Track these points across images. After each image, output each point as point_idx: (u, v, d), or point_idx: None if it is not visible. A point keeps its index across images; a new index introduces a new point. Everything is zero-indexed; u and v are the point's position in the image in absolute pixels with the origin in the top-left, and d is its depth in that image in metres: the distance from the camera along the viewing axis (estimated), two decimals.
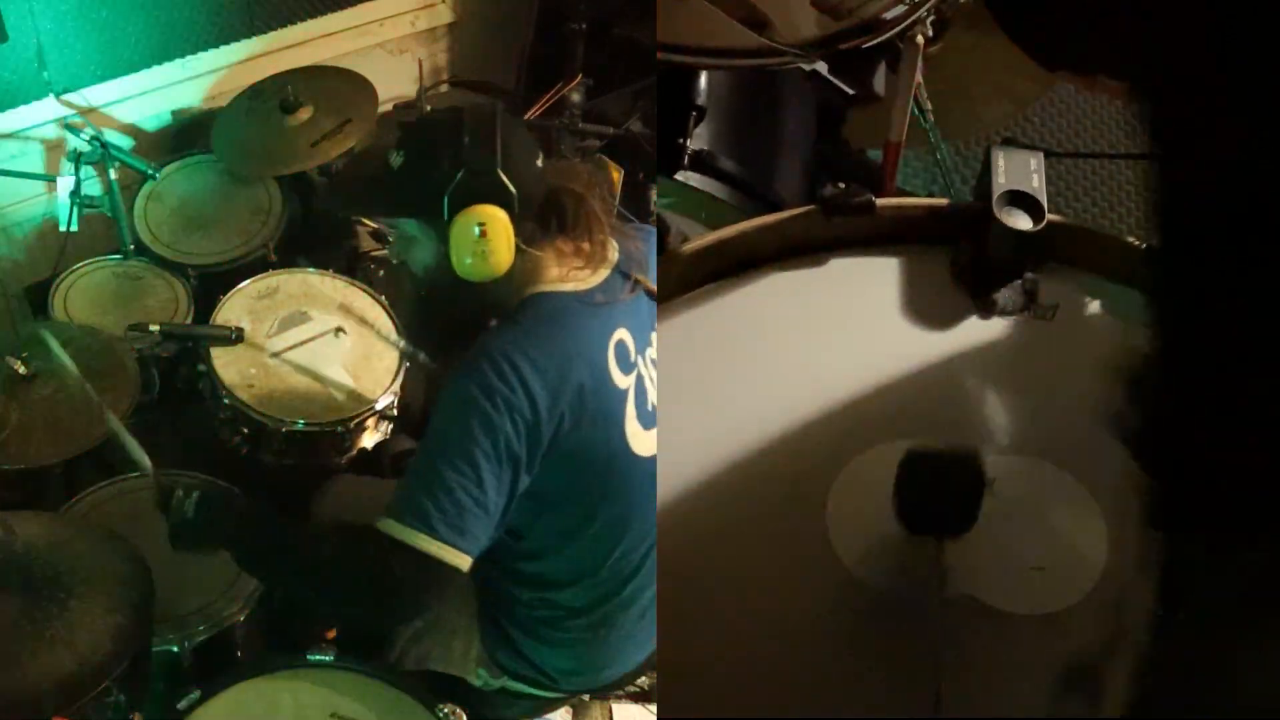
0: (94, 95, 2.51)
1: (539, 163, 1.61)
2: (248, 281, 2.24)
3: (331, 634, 1.91)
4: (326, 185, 2.48)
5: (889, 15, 1.77)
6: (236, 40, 2.68)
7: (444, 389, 1.52)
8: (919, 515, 1.21)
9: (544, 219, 1.59)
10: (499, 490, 1.50)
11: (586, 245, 1.61)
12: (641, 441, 1.60)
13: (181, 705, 1.58)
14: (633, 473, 1.58)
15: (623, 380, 1.60)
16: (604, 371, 1.57)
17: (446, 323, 1.67)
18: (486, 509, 1.50)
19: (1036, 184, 1.47)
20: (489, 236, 1.52)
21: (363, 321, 2.21)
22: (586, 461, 1.56)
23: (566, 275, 1.59)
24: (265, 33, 2.72)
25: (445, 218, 1.53)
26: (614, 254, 1.62)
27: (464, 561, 1.49)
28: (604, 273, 1.61)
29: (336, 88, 2.47)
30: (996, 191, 1.46)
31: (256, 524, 1.59)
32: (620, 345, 1.60)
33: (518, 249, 1.54)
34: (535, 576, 1.65)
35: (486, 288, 1.57)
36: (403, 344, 2.17)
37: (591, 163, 1.76)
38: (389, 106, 2.70)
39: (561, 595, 1.66)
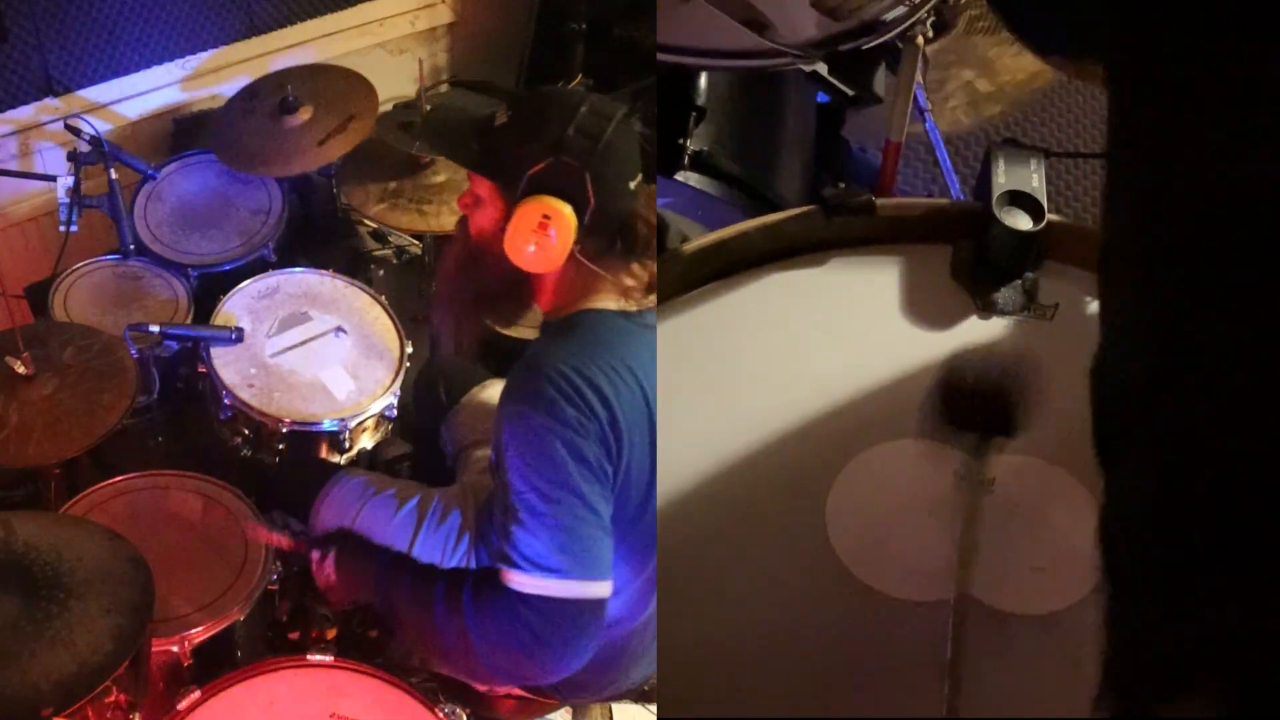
0: (94, 95, 2.51)
1: (632, 184, 1.54)
2: (248, 281, 2.24)
3: (332, 634, 1.91)
4: (426, 118, 2.37)
5: (889, 16, 1.77)
6: (236, 40, 2.68)
7: (510, 419, 1.45)
8: (961, 412, 1.20)
9: (612, 240, 1.53)
10: (607, 502, 1.43)
11: (646, 275, 1.55)
12: None
13: (181, 705, 1.58)
14: None
15: None
16: (652, 399, 1.55)
17: (478, 287, 1.60)
18: (604, 528, 1.43)
19: (1036, 184, 1.47)
20: (547, 233, 1.46)
21: (367, 331, 2.21)
22: (633, 485, 1.51)
23: (621, 295, 1.54)
24: (265, 33, 2.72)
25: (517, 195, 1.48)
26: None
27: (605, 588, 1.43)
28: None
29: (336, 87, 2.47)
30: (996, 191, 1.46)
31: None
32: None
33: (575, 260, 1.49)
34: None
35: (531, 275, 1.53)
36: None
37: None
38: (389, 106, 2.70)
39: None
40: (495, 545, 1.46)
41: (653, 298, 1.56)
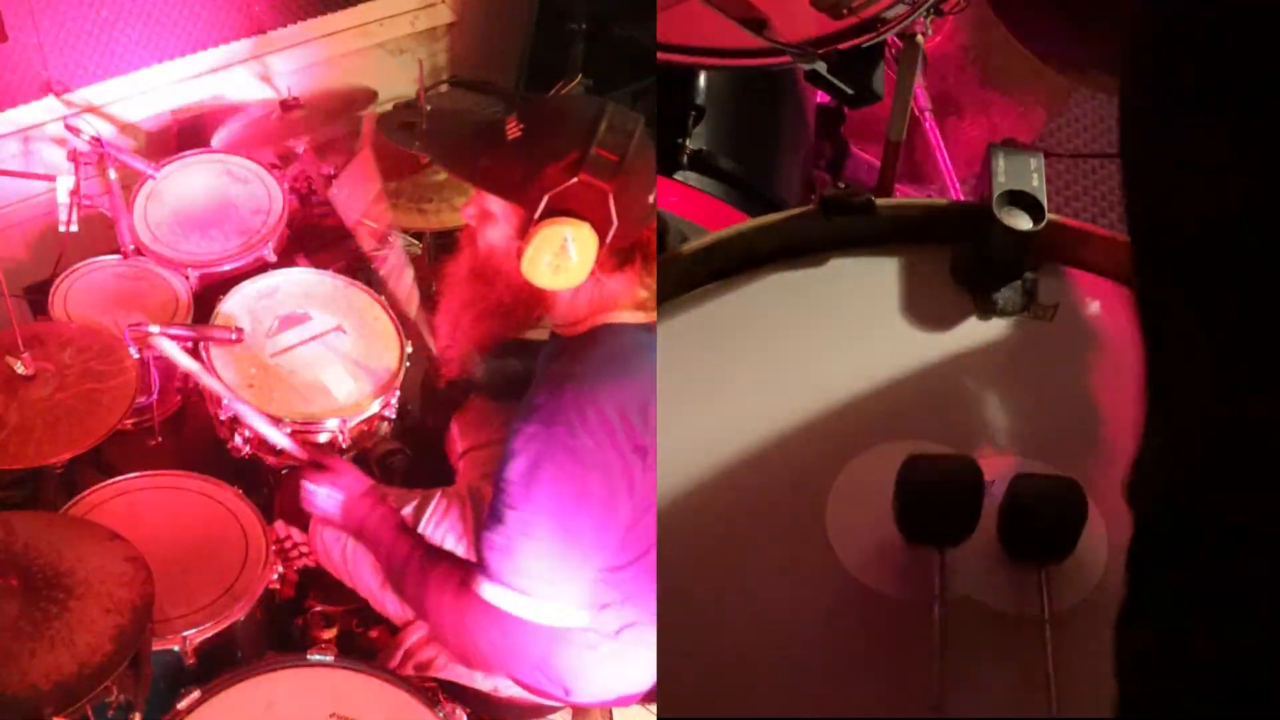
0: (94, 95, 2.51)
1: (650, 198, 1.52)
2: (248, 281, 2.24)
3: (332, 634, 1.91)
4: (427, 128, 2.33)
5: (889, 14, 1.77)
6: (236, 40, 2.68)
7: (528, 437, 1.46)
8: (918, 525, 1.21)
9: (629, 254, 1.52)
10: (615, 539, 1.50)
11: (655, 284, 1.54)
12: None
13: (181, 705, 1.58)
14: None
15: None
16: None
17: (488, 300, 1.59)
18: (590, 563, 1.50)
19: (1036, 184, 1.47)
20: (569, 255, 1.44)
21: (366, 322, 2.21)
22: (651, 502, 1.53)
23: (637, 304, 1.54)
24: (265, 32, 2.72)
25: (536, 216, 1.44)
26: None
27: (572, 618, 1.51)
28: None
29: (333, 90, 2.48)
30: (996, 191, 1.46)
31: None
32: None
33: (593, 277, 1.49)
34: None
35: (544, 291, 1.51)
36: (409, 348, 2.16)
37: None
38: (389, 106, 2.70)
39: (593, 619, 1.64)
40: (478, 548, 1.49)
41: None
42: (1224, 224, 0.68)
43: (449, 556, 1.63)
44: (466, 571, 1.51)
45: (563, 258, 1.44)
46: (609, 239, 1.46)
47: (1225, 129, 0.67)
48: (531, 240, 1.45)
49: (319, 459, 1.74)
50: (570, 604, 1.47)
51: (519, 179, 1.46)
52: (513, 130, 1.47)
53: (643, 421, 1.47)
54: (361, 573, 1.79)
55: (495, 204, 1.51)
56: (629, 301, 1.54)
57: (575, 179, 1.43)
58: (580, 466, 1.44)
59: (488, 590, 1.44)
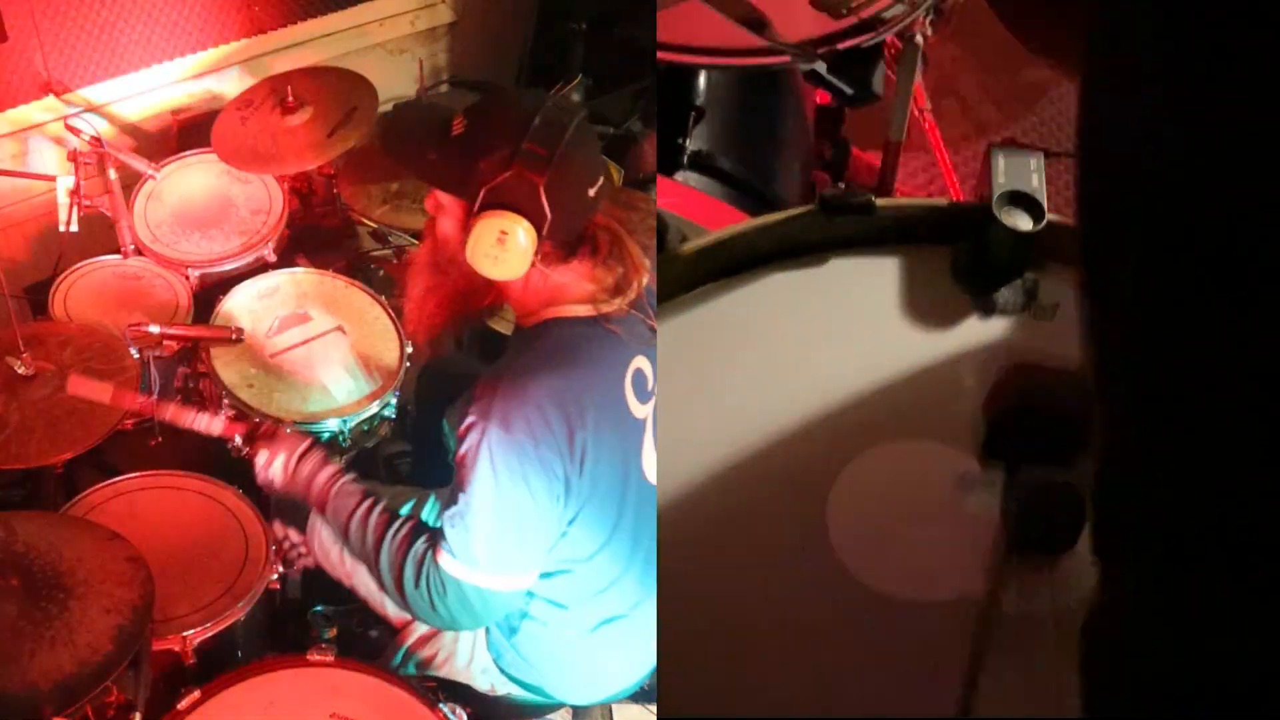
0: (94, 95, 2.51)
1: (592, 191, 1.56)
2: (248, 281, 2.24)
3: (332, 634, 1.91)
4: (385, 124, 2.39)
5: (888, 14, 1.77)
6: (236, 40, 2.68)
7: (476, 430, 1.51)
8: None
9: (575, 246, 1.56)
10: (553, 524, 1.55)
11: (610, 278, 1.58)
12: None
13: (181, 705, 1.58)
14: (647, 502, 1.58)
15: (640, 410, 1.59)
16: (621, 403, 1.57)
17: (449, 286, 1.65)
18: (541, 537, 1.56)
19: (1036, 184, 1.47)
20: (505, 247, 1.49)
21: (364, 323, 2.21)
22: (602, 493, 1.57)
23: (587, 298, 1.57)
24: (265, 33, 2.72)
25: (475, 209, 1.51)
26: (641, 288, 1.61)
27: (522, 583, 1.58)
28: (623, 300, 1.59)
29: (333, 85, 2.47)
30: (996, 191, 1.46)
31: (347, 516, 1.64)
32: (639, 374, 1.59)
33: (537, 269, 1.53)
34: (541, 594, 1.65)
35: (495, 280, 1.56)
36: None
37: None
38: (389, 107, 2.70)
39: (565, 614, 1.66)
40: (439, 523, 1.56)
41: (619, 300, 1.58)
42: (1168, 195, 0.67)
43: (406, 519, 1.66)
44: (429, 537, 1.58)
45: (500, 249, 1.50)
46: (545, 231, 1.50)
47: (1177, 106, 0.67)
48: (471, 231, 1.51)
49: (253, 430, 1.76)
50: (516, 575, 1.56)
51: (459, 173, 1.52)
52: (458, 127, 1.54)
53: (579, 415, 1.52)
54: (360, 572, 1.80)
55: (444, 196, 1.57)
56: (578, 294, 1.58)
57: (508, 173, 1.48)
58: (516, 459, 1.49)
59: (443, 559, 1.53)
